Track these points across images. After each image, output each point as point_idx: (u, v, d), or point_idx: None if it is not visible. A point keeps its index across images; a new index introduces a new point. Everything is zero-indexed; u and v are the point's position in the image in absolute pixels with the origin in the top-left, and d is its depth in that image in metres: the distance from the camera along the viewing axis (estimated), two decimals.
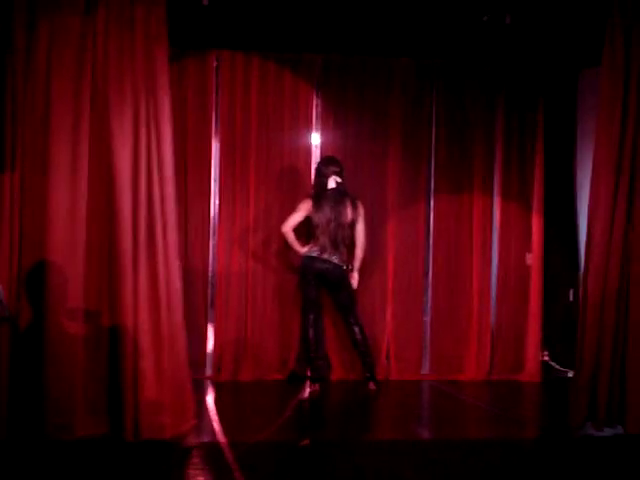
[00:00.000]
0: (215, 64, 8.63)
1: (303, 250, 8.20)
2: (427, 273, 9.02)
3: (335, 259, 8.08)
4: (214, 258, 8.65)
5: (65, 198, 6.09)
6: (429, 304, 9.02)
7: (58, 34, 6.11)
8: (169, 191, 6.39)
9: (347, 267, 8.16)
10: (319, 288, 8.28)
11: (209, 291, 8.64)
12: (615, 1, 6.45)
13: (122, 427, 6.14)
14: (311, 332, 8.20)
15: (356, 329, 8.21)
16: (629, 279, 6.59)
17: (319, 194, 8.15)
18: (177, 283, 6.47)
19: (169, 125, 6.41)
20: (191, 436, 6.37)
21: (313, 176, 8.47)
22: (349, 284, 8.22)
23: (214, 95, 8.64)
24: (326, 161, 8.28)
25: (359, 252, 8.23)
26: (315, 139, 8.83)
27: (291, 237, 8.21)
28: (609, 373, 6.69)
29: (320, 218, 8.10)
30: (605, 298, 6.62)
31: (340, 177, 8.16)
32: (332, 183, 8.12)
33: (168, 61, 6.47)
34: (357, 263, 8.26)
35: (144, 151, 6.26)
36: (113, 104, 6.17)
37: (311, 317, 8.23)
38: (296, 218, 8.20)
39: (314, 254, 8.10)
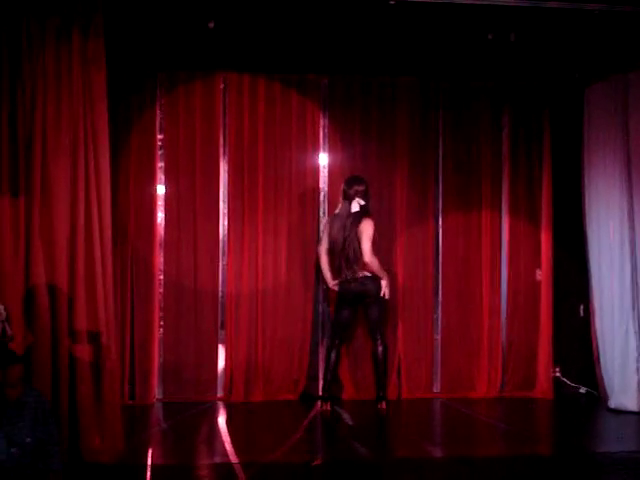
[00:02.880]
0: (222, 86, 8.67)
1: (332, 283, 8.23)
2: (437, 291, 9.01)
3: (363, 274, 8.05)
4: (224, 279, 8.65)
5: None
6: (439, 322, 9.00)
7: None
8: (107, 212, 6.35)
9: (379, 278, 8.11)
10: (353, 309, 8.27)
11: (219, 312, 8.64)
12: None
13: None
14: (333, 355, 8.21)
15: (380, 347, 8.17)
16: None
17: (337, 216, 8.18)
18: (111, 304, 6.40)
19: (106, 147, 6.37)
20: (135, 458, 6.32)
21: (328, 196, 8.67)
22: (381, 299, 8.17)
23: (221, 117, 8.67)
24: (349, 182, 8.24)
25: (370, 268, 8.14)
26: (323, 159, 8.85)
27: (323, 262, 8.26)
28: None
29: (333, 238, 8.13)
30: None
31: (364, 196, 8.15)
32: (355, 206, 8.11)
33: (106, 86, 6.40)
34: (378, 275, 8.12)
35: (82, 175, 6.22)
36: (50, 128, 6.17)
37: (337, 341, 8.25)
38: (323, 239, 8.30)
39: (347, 277, 8.08)
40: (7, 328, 3.98)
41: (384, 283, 8.11)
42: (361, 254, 8.01)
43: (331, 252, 8.18)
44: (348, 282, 8.08)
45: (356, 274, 8.04)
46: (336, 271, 8.15)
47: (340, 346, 8.29)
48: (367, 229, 8.04)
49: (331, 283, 8.27)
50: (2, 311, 3.89)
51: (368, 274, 8.05)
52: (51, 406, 5.27)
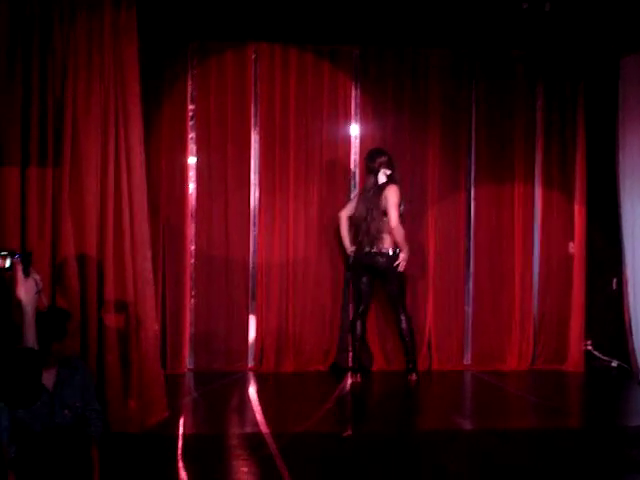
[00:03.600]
0: (253, 56, 8.64)
1: (350, 249, 8.24)
2: (468, 263, 8.98)
3: (378, 249, 8.06)
4: (254, 250, 8.67)
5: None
6: (470, 294, 8.98)
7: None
8: (137, 181, 6.32)
9: (395, 252, 8.10)
10: (371, 280, 8.27)
11: (250, 283, 8.67)
12: None
13: None
14: (359, 324, 8.21)
15: (403, 320, 8.17)
16: None
17: (364, 190, 8.18)
18: (148, 275, 6.41)
19: (138, 120, 6.34)
20: (166, 428, 6.34)
21: (360, 168, 8.61)
22: (398, 273, 8.16)
23: (253, 87, 8.66)
24: (371, 155, 8.24)
25: (392, 237, 8.07)
26: (354, 130, 8.82)
27: (342, 225, 8.30)
28: None
29: (355, 214, 8.17)
30: None
31: (389, 166, 8.14)
32: (382, 177, 8.10)
33: (137, 55, 6.36)
34: (399, 245, 8.05)
35: (112, 143, 6.21)
36: (81, 98, 6.15)
37: (361, 309, 8.25)
38: (348, 205, 8.33)
39: (359, 248, 8.10)
40: (44, 298, 4.02)
41: (402, 256, 8.08)
42: (382, 225, 8.02)
43: (355, 225, 8.17)
44: (363, 255, 8.10)
45: (372, 247, 8.04)
46: (359, 244, 8.14)
47: (364, 315, 8.29)
48: (392, 196, 8.01)
49: (349, 249, 8.30)
50: (39, 281, 3.92)
51: (384, 249, 8.04)
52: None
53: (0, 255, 4.41)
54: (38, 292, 3.99)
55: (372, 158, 8.19)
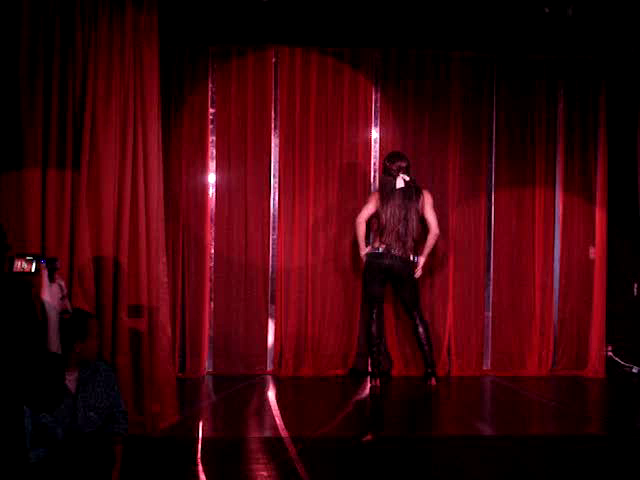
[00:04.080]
0: (274, 60, 8.65)
1: (365, 251, 8.20)
2: (488, 268, 8.94)
3: (402, 254, 8.04)
4: (274, 253, 8.67)
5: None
6: (490, 299, 8.94)
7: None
8: (154, 185, 6.32)
9: (414, 259, 8.10)
10: (384, 284, 8.26)
11: (269, 287, 8.66)
12: None
13: None
14: (374, 327, 8.18)
15: (420, 325, 8.17)
16: None
17: (387, 192, 8.12)
18: (162, 278, 6.42)
19: (156, 123, 6.34)
20: (185, 431, 6.35)
21: (379, 172, 8.53)
22: (413, 279, 8.17)
23: (273, 91, 8.66)
24: (392, 157, 8.23)
25: (431, 241, 8.16)
26: (374, 134, 8.80)
27: (362, 230, 8.22)
28: None
29: (387, 216, 8.07)
30: None
31: (407, 173, 8.12)
32: (400, 182, 8.08)
33: (158, 58, 6.37)
34: (427, 250, 8.18)
35: (130, 147, 6.20)
36: (100, 100, 6.14)
37: (374, 312, 8.22)
38: (368, 210, 8.22)
39: (380, 250, 8.08)
40: (67, 303, 4.02)
41: (422, 261, 8.11)
42: (417, 229, 8.05)
43: (383, 227, 8.13)
44: (383, 255, 8.06)
45: (400, 251, 8.02)
46: (386, 247, 8.10)
47: (379, 319, 8.26)
48: (430, 200, 8.15)
49: (364, 251, 8.23)
50: (63, 287, 3.93)
51: (405, 255, 8.04)
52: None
53: (26, 259, 4.42)
54: (62, 297, 4.00)
55: (392, 160, 8.18)
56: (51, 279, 3.94)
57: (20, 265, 4.47)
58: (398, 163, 8.13)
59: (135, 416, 6.05)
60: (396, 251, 8.04)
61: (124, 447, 4.98)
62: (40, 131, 6.03)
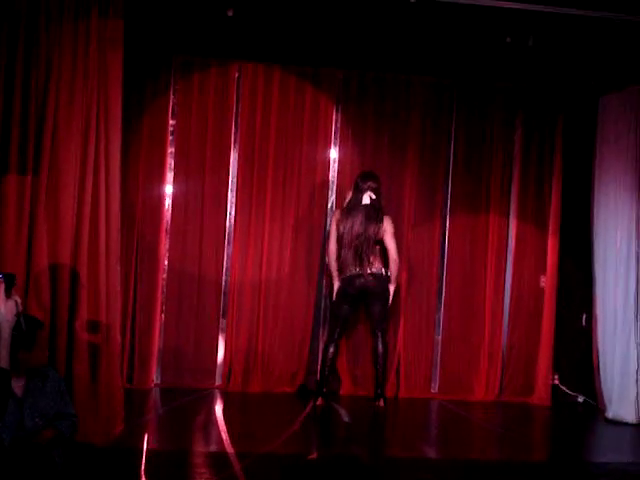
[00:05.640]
0: (237, 75, 8.66)
1: (337, 284, 8.20)
2: (440, 291, 8.99)
3: (370, 270, 8.06)
4: (228, 268, 8.65)
5: None
6: (441, 323, 8.99)
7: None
8: (114, 194, 6.28)
9: (386, 273, 8.12)
10: (355, 304, 8.27)
11: (221, 301, 8.64)
12: None
13: None
14: (332, 349, 8.16)
15: (380, 344, 8.16)
16: None
17: (350, 207, 8.16)
18: (116, 287, 6.39)
19: (118, 132, 6.31)
20: (129, 442, 6.30)
21: (337, 191, 8.67)
22: (385, 298, 8.19)
23: (234, 105, 8.66)
24: (364, 176, 8.26)
25: (393, 267, 8.16)
26: (333, 153, 8.84)
27: (334, 257, 8.18)
28: None
29: (346, 230, 8.09)
30: None
31: (376, 193, 8.16)
32: (366, 199, 8.11)
33: (122, 67, 6.33)
34: (393, 277, 8.18)
35: (92, 154, 6.16)
36: (62, 105, 6.09)
37: (336, 334, 8.21)
38: (333, 234, 8.21)
39: (349, 272, 8.07)
40: (22, 322, 3.97)
41: (392, 288, 8.16)
42: (374, 250, 8.07)
43: (338, 244, 8.15)
44: (353, 277, 8.07)
45: (364, 269, 8.04)
46: (341, 264, 8.12)
47: (339, 340, 8.26)
48: (391, 228, 8.13)
49: (337, 282, 8.23)
50: (19, 304, 3.89)
51: (375, 271, 8.06)
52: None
53: None
54: (17, 314, 3.96)
55: (364, 179, 8.20)
56: (8, 294, 3.90)
57: None
58: (369, 183, 8.17)
59: (90, 424, 5.98)
60: (360, 268, 8.04)
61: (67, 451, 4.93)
62: None
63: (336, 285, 8.23)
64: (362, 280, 8.06)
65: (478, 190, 8.99)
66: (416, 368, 8.87)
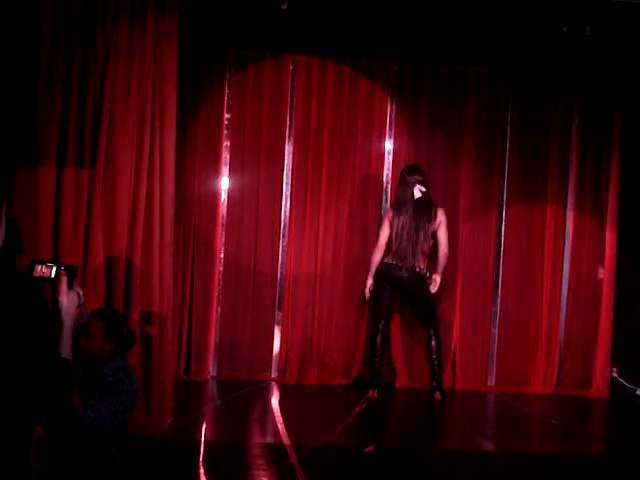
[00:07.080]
0: (291, 68, 8.67)
1: (370, 281, 8.22)
2: (497, 284, 8.93)
3: (412, 266, 8.05)
4: (283, 261, 8.69)
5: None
6: (497, 315, 8.93)
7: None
8: (168, 187, 6.30)
9: (427, 274, 8.11)
10: (393, 296, 8.26)
11: (277, 293, 8.68)
12: None
13: None
14: (379, 338, 8.17)
15: (433, 337, 8.14)
16: None
17: (401, 202, 8.14)
18: (170, 281, 6.42)
19: (173, 125, 6.33)
20: (187, 434, 6.36)
21: (392, 184, 8.60)
22: (427, 292, 8.16)
23: (289, 99, 8.69)
24: (409, 169, 8.24)
25: (442, 260, 8.16)
26: (388, 146, 8.82)
27: (378, 256, 8.19)
28: None
29: (399, 225, 8.08)
30: None
31: (424, 186, 8.14)
32: (417, 193, 8.08)
33: (177, 62, 6.35)
34: (440, 269, 8.15)
35: (147, 147, 6.18)
36: (118, 100, 6.13)
37: (381, 324, 8.21)
38: (385, 232, 8.21)
39: (391, 261, 8.09)
40: (83, 313, 4.03)
41: (439, 279, 8.12)
42: (428, 244, 8.07)
43: (394, 236, 8.13)
44: (393, 268, 8.07)
45: (409, 263, 8.02)
46: (396, 257, 8.11)
47: (385, 330, 8.25)
48: (445, 220, 8.15)
49: (370, 281, 8.23)
50: (81, 295, 3.95)
51: (418, 269, 8.04)
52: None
53: (46, 265, 4.45)
54: (79, 306, 4.02)
55: (410, 172, 8.18)
56: (70, 286, 3.96)
57: (40, 270, 4.50)
58: (416, 176, 8.15)
59: (142, 416, 6.05)
60: (405, 262, 8.04)
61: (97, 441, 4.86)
62: (57, 130, 6.02)
63: (369, 282, 8.23)
64: (398, 273, 8.05)
65: (534, 182, 8.90)
66: (472, 361, 8.83)
